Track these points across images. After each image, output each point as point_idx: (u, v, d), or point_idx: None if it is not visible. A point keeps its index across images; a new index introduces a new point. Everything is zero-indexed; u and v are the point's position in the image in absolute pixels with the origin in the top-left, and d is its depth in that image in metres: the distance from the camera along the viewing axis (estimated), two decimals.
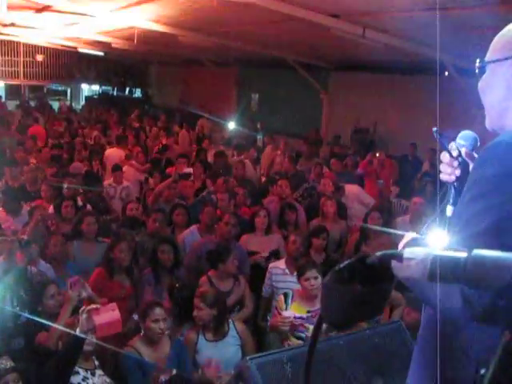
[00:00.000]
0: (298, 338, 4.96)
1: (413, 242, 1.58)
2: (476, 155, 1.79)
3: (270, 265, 6.18)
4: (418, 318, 2.15)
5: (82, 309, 3.82)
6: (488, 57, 1.73)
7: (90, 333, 3.81)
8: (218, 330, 4.80)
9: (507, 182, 1.46)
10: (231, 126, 14.05)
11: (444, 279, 1.27)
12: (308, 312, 5.19)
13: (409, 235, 1.67)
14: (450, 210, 1.77)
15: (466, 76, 9.09)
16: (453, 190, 1.80)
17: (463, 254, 1.26)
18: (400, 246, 1.64)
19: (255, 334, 5.60)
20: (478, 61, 1.76)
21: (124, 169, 9.99)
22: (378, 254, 1.42)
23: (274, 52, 13.56)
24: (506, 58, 1.66)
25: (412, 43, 9.21)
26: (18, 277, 5.37)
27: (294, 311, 5.17)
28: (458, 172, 1.81)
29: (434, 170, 9.52)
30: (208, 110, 17.42)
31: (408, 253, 1.37)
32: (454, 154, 1.82)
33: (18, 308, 5.23)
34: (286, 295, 5.28)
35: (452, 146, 1.84)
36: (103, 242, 6.54)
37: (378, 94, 12.81)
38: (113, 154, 11.72)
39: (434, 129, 1.82)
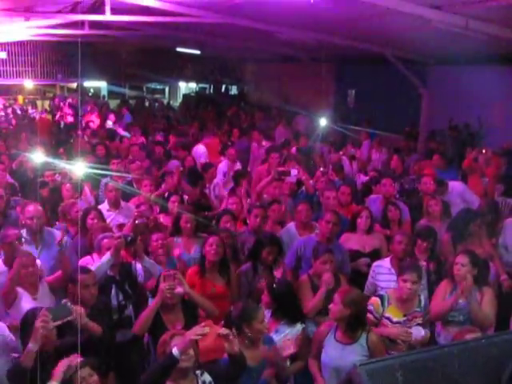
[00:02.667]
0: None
1: None
2: None
3: (375, 263, 6.05)
4: None
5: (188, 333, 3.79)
6: None
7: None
8: (347, 334, 4.58)
9: None
10: (328, 122, 13.88)
11: None
12: (404, 316, 5.04)
13: None
14: None
15: None
16: None
17: None
18: None
19: None
20: None
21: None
22: None
23: (372, 47, 13.30)
24: None
25: None
26: (123, 272, 5.56)
27: (390, 314, 5.04)
28: None
29: None
30: (305, 106, 17.33)
31: None
32: None
33: (123, 302, 5.42)
34: (381, 298, 5.14)
35: None
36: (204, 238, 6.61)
37: (480, 88, 12.28)
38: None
39: None
